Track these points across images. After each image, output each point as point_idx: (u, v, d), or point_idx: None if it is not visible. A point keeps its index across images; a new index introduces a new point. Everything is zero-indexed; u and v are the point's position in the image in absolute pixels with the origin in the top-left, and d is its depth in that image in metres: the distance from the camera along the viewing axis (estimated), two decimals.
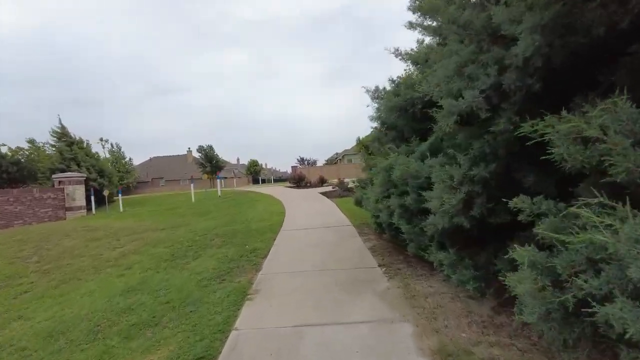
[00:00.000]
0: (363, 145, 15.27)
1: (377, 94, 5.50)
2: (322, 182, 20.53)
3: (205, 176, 20.32)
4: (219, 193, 19.82)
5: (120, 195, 19.62)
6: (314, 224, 8.33)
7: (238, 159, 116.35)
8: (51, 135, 23.99)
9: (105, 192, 19.68)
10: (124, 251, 7.60)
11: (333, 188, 16.29)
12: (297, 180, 21.52)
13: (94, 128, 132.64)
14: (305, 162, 78.11)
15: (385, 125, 5.26)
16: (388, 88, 5.50)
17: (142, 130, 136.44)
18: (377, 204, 4.89)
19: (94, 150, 25.36)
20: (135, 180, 73.59)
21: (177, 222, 12.20)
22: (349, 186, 16.74)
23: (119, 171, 71.16)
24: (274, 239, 6.87)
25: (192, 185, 19.66)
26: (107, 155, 72.68)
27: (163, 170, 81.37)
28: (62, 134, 24.20)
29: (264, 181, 55.91)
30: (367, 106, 5.65)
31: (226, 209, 14.12)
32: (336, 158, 70.43)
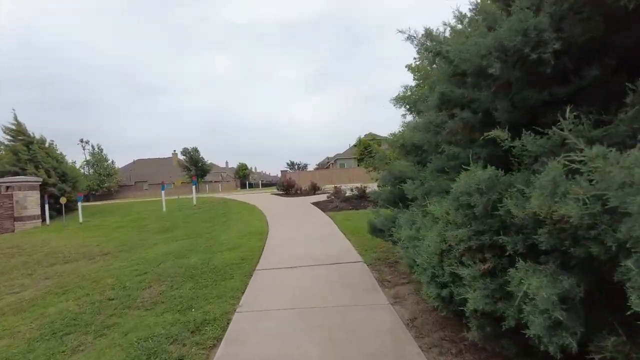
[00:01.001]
0: (364, 146, 12.74)
1: (430, 41, 2.92)
2: (314, 189, 17.96)
3: (179, 182, 17.24)
4: (194, 201, 17.09)
5: (80, 203, 16.74)
6: (306, 256, 5.73)
7: (227, 163, 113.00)
8: (4, 132, 20.93)
9: (62, 200, 16.80)
10: (3, 306, 4.88)
11: (328, 197, 13.78)
12: (286, 187, 18.91)
13: (78, 130, 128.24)
14: (296, 167, 75.45)
15: (448, 97, 2.71)
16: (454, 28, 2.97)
17: (128, 133, 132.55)
18: (445, 262, 2.32)
19: (68, 153, 22.24)
20: (117, 184, 70.30)
21: (129, 242, 9.55)
22: (346, 195, 14.20)
23: (99, 174, 67.97)
24: (243, 292, 4.25)
25: (162, 192, 16.88)
26: (88, 157, 69.48)
27: (147, 173, 77.83)
28: (17, 132, 21.15)
29: (251, 186, 53.05)
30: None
31: (196, 224, 11.44)
32: (328, 162, 67.92)
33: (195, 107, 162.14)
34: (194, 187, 17.47)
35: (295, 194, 17.98)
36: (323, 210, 11.58)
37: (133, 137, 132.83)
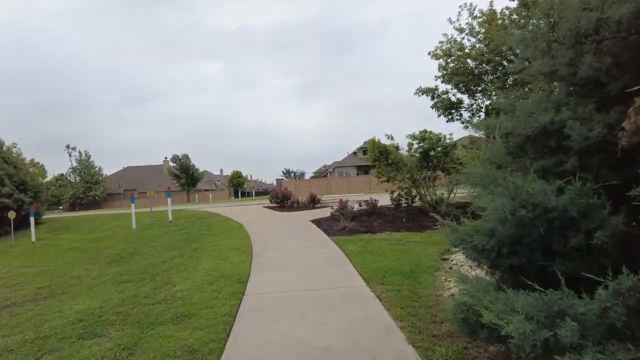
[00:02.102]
0: (378, 150, 10.12)
1: None
2: (313, 202, 15.20)
3: (152, 193, 14.38)
4: (170, 217, 14.25)
5: (32, 218, 13.86)
6: (311, 349, 2.97)
7: (221, 170, 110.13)
8: None
9: (11, 215, 13.91)
10: None
11: (333, 214, 11.06)
12: (281, 199, 16.13)
13: (67, 137, 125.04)
14: (292, 175, 72.61)
15: None
16: None
17: (120, 140, 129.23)
18: None
19: (56, 160, 19.26)
20: (105, 192, 67.12)
21: (63, 278, 7.05)
22: (354, 209, 11.46)
23: (86, 182, 64.81)
24: None
25: (132, 205, 14.05)
26: (75, 164, 66.38)
27: (137, 181, 74.76)
28: None
29: (244, 195, 50.14)
30: None
31: (159, 252, 8.64)
32: (326, 171, 65.22)
33: (188, 114, 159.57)
34: (169, 200, 14.65)
35: (292, 208, 15.19)
36: (327, 232, 8.82)
37: (125, 144, 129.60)
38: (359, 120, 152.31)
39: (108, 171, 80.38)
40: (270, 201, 16.68)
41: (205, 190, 70.84)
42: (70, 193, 62.70)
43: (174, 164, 52.67)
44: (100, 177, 68.04)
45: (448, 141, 10.96)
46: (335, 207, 11.16)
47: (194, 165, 51.43)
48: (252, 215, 14.18)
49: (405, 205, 12.78)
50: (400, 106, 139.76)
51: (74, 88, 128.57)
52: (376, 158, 10.01)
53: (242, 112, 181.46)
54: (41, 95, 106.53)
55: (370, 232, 8.65)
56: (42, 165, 67.55)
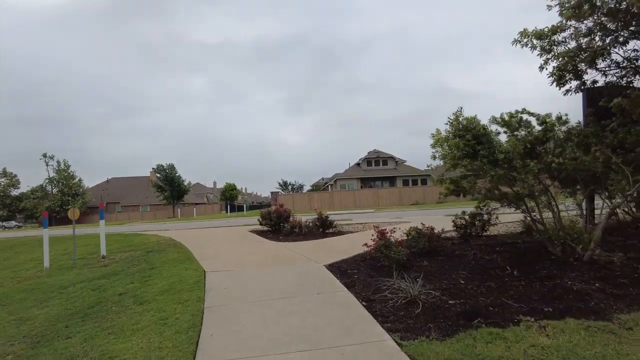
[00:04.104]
0: (474, 135, 5.18)
1: None
2: (323, 225, 10.17)
3: (76, 213, 9.50)
4: (103, 250, 9.14)
5: None
6: None
7: (215, 183, 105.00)
8: None
9: None
10: None
11: (371, 253, 6.16)
12: (276, 222, 11.12)
13: (54, 149, 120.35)
14: (289, 188, 67.52)
15: None
16: None
17: (107, 152, 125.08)
18: None
19: (37, 172, 14.19)
20: (85, 205, 61.55)
21: None
22: (396, 239, 6.45)
23: (64, 194, 59.29)
24: None
25: (45, 230, 9.07)
26: (52, 174, 60.95)
27: (121, 193, 69.22)
28: None
29: (233, 209, 44.86)
30: None
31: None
32: (325, 184, 60.12)
33: (179, 126, 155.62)
34: (101, 223, 9.53)
35: (292, 234, 10.14)
36: (383, 316, 3.82)
37: (113, 157, 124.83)
38: (353, 134, 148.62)
39: (92, 183, 75.09)
40: (262, 222, 11.60)
41: (196, 203, 65.46)
42: (45, 206, 57.17)
43: (158, 175, 47.54)
44: (80, 189, 62.63)
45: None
46: (372, 239, 6.13)
47: (180, 176, 46.32)
48: (230, 248, 9.13)
49: (475, 233, 7.97)
50: (392, 121, 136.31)
51: (59, 100, 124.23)
52: (468, 144, 4.99)
53: (234, 125, 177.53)
54: (25, 108, 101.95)
55: (479, 315, 3.65)
56: (15, 176, 62.16)
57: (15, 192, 62.80)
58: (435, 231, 7.07)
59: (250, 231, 12.15)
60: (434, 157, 6.29)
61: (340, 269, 5.91)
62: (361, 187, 44.18)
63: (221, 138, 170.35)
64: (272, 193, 42.45)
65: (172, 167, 45.94)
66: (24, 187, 63.13)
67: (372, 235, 6.55)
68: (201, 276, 6.01)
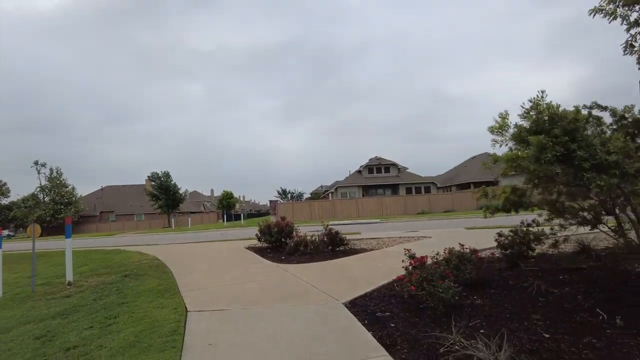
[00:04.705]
0: (540, 146, 3.64)
1: None
2: (333, 242, 8.67)
3: (37, 231, 8.01)
4: (69, 275, 7.58)
5: None
6: None
7: (212, 191, 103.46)
8: None
9: None
10: None
11: (399, 278, 4.73)
12: (277, 237, 9.62)
13: (49, 156, 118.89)
14: (289, 195, 65.94)
15: None
16: None
17: (105, 160, 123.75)
18: None
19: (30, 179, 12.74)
20: (78, 214, 59.79)
21: None
22: (427, 262, 4.99)
23: (56, 202, 57.51)
24: None
25: (67, 243, 7.85)
26: (44, 182, 59.23)
27: (116, 202, 67.45)
28: None
29: (230, 218, 43.19)
30: None
31: None
32: (326, 191, 58.60)
33: (176, 134, 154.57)
34: (67, 243, 7.90)
35: (296, 252, 8.63)
36: None
37: (109, 165, 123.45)
38: (351, 140, 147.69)
39: (87, 191, 73.30)
40: (260, 238, 10.10)
41: (193, 212, 63.69)
42: (36, 215, 55.37)
43: (153, 183, 45.97)
44: (73, 198, 60.83)
45: None
46: (403, 266, 4.67)
47: (175, 185, 44.75)
48: (222, 271, 7.63)
49: (525, 254, 6.54)
50: (390, 127, 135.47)
51: (52, 107, 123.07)
52: (556, 154, 3.52)
53: (231, 132, 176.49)
54: (20, 115, 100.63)
55: None
56: (5, 184, 60.39)
57: (4, 201, 60.84)
58: (482, 255, 5.63)
59: (247, 247, 10.64)
60: (496, 144, 4.80)
61: (367, 310, 4.43)
62: (363, 195, 42.73)
63: (218, 145, 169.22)
64: (270, 201, 40.93)
65: (167, 175, 44.41)
66: (14, 196, 61.13)
67: (403, 261, 5.11)
68: (181, 319, 4.51)
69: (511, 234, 6.29)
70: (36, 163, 58.22)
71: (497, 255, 7.04)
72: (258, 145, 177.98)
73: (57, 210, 56.77)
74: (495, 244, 6.50)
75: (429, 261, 4.97)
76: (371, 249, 8.97)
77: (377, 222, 23.50)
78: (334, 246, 8.67)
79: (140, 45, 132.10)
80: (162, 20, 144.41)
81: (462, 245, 5.88)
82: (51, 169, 59.36)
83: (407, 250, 5.24)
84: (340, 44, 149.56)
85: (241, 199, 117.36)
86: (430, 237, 10.14)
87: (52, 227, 55.83)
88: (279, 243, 9.66)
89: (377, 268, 6.64)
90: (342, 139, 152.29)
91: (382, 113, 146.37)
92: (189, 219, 35.45)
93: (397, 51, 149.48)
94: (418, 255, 4.94)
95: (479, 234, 10.94)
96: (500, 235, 6.53)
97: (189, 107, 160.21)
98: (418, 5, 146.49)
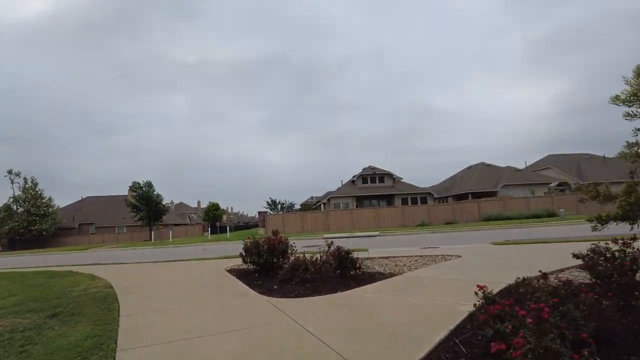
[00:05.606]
0: None
1: None
2: (343, 266, 6.57)
3: None
4: None
5: None
6: None
7: (199, 202, 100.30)
8: None
9: None
10: None
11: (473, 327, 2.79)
12: (267, 259, 7.46)
13: (28, 167, 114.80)
14: (279, 207, 63.48)
15: None
16: None
17: (86, 172, 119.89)
18: None
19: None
20: (55, 226, 56.32)
21: None
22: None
23: (30, 214, 53.94)
24: None
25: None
26: (18, 193, 55.69)
27: (96, 213, 63.93)
28: None
29: (215, 230, 40.56)
30: None
31: None
32: (317, 202, 56.32)
33: (160, 146, 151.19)
34: None
35: (292, 279, 6.46)
36: None
37: (91, 177, 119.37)
38: (338, 153, 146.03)
39: (66, 202, 69.70)
40: (244, 259, 7.91)
41: (177, 224, 60.62)
42: (8, 227, 51.74)
43: (134, 193, 43.23)
44: (50, 209, 57.34)
45: None
46: (474, 303, 2.62)
47: (158, 195, 42.09)
48: (188, 313, 5.47)
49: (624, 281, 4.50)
50: (377, 140, 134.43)
51: (33, 119, 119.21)
52: None
53: (217, 144, 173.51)
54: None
55: None
56: None
57: None
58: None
59: (230, 270, 8.45)
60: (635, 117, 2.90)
61: None
62: (357, 206, 40.71)
63: (205, 157, 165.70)
64: (259, 213, 38.55)
65: (149, 184, 41.78)
66: None
67: (476, 301, 3.09)
68: None
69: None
70: (10, 172, 54.92)
71: (577, 283, 5.03)
72: (246, 157, 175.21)
73: (31, 221, 53.28)
74: (556, 264, 4.50)
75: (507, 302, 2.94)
76: (390, 274, 6.88)
77: (376, 235, 21.42)
78: (343, 270, 6.55)
79: (123, 58, 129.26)
80: (146, 33, 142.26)
81: (546, 275, 3.88)
82: (25, 179, 56.06)
83: (482, 289, 3.19)
84: (325, 58, 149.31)
85: (229, 210, 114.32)
86: (460, 257, 8.11)
87: (26, 240, 52.34)
88: (270, 264, 7.50)
89: (414, 307, 4.56)
90: (331, 152, 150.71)
91: (370, 126, 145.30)
92: (170, 232, 32.81)
93: (381, 65, 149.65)
94: (479, 284, 2.90)
95: (517, 251, 8.99)
96: (594, 253, 4.52)
97: (176, 119, 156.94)
98: (402, 21, 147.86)
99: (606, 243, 4.98)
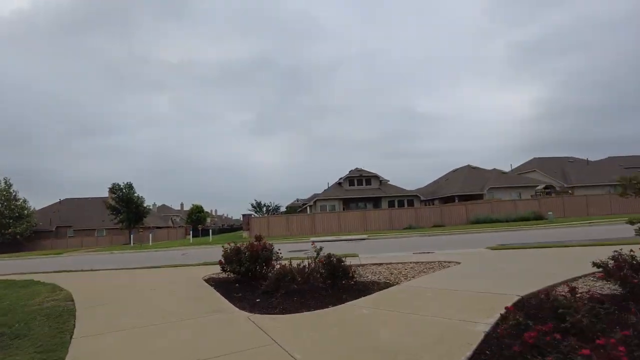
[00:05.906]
0: None
1: None
2: (334, 276, 5.90)
3: None
4: None
5: None
6: None
7: (182, 205, 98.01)
8: None
9: None
10: None
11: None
12: (248, 267, 6.74)
13: (7, 167, 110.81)
14: (264, 209, 62.42)
15: None
16: None
17: (68, 173, 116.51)
18: None
19: None
20: (30, 229, 53.99)
21: None
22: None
23: (3, 216, 51.55)
24: None
25: None
26: None
27: (75, 216, 61.57)
28: None
29: (197, 233, 39.31)
30: None
31: None
32: (303, 205, 55.49)
33: (144, 148, 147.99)
34: None
35: (277, 291, 5.75)
36: None
37: (72, 178, 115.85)
38: (325, 156, 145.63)
39: (43, 204, 66.99)
40: (223, 267, 7.17)
41: (159, 227, 58.87)
42: None
43: (114, 195, 41.67)
44: (26, 211, 54.95)
45: None
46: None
47: (139, 197, 40.66)
48: (158, 331, 4.72)
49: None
50: (365, 142, 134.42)
51: (17, 119, 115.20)
52: None
53: (202, 146, 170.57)
54: None
55: None
56: None
57: None
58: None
59: (208, 279, 7.68)
60: None
61: None
62: (343, 209, 40.15)
63: (189, 159, 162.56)
64: (244, 216, 37.56)
65: (129, 186, 40.32)
66: None
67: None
68: None
69: None
70: None
71: (597, 295, 4.49)
72: (232, 159, 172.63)
73: (4, 224, 50.90)
74: (564, 272, 3.98)
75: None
76: (386, 283, 6.25)
77: (364, 239, 20.85)
78: (335, 280, 5.88)
79: (108, 58, 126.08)
80: (133, 32, 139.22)
81: (574, 289, 3.32)
82: None
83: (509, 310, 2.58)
84: (314, 60, 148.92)
85: (213, 213, 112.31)
86: (459, 263, 7.54)
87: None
88: (253, 273, 6.78)
89: (418, 326, 3.93)
90: (318, 154, 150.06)
91: (357, 128, 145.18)
92: (150, 235, 31.53)
93: (371, 68, 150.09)
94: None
95: (516, 257, 8.50)
96: (618, 261, 3.98)
97: (160, 119, 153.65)
98: (394, 23, 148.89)
99: (621, 249, 4.47)
